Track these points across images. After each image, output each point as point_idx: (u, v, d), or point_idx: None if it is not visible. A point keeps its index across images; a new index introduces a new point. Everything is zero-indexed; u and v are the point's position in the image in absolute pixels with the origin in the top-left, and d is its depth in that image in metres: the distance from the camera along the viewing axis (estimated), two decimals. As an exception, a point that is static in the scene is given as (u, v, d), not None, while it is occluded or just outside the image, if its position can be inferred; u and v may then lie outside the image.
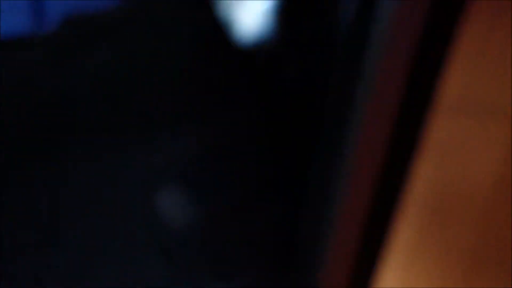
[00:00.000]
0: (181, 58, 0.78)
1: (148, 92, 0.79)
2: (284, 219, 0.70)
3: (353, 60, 0.58)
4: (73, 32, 0.80)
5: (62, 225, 0.74)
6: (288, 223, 0.69)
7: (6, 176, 0.76)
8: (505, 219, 0.79)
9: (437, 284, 0.75)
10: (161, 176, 0.78)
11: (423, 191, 0.80)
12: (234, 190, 0.76)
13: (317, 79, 0.70)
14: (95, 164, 0.76)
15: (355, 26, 0.59)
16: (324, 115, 0.64)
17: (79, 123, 0.79)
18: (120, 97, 0.78)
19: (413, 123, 0.58)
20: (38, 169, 0.77)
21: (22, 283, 0.71)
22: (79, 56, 0.80)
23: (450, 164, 0.83)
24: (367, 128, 0.54)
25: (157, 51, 0.81)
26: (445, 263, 0.76)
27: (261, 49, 0.83)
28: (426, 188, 0.81)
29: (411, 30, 0.51)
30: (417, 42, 0.55)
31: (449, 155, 0.84)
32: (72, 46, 0.80)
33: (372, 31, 0.55)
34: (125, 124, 0.78)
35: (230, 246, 0.75)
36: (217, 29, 0.84)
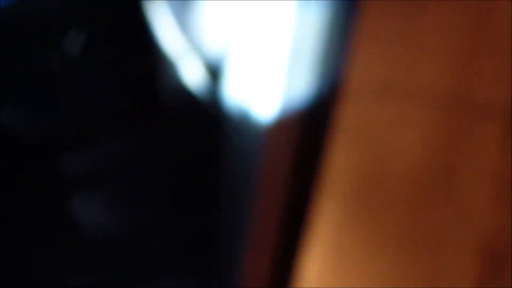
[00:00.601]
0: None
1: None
2: (201, 221, 0.70)
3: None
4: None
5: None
6: (205, 225, 0.69)
7: None
8: (427, 201, 0.80)
9: (362, 270, 0.75)
10: (76, 183, 0.77)
11: (340, 178, 0.82)
12: (151, 196, 0.76)
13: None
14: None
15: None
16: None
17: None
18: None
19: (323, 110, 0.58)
20: None
21: None
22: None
23: (369, 149, 0.84)
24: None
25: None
26: (369, 249, 0.78)
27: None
28: (343, 175, 0.83)
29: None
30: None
31: (366, 140, 0.85)
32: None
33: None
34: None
35: (149, 250, 0.74)
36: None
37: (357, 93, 0.87)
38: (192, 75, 0.72)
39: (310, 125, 0.51)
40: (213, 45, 0.75)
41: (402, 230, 0.78)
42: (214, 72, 0.71)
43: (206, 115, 0.67)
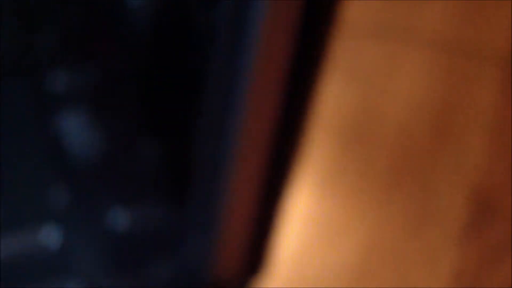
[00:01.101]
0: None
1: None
2: (184, 146, 0.70)
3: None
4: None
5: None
6: (187, 151, 0.69)
7: None
8: (421, 145, 0.81)
9: (351, 213, 0.76)
10: (60, 101, 0.78)
11: (333, 116, 0.83)
12: (133, 118, 0.76)
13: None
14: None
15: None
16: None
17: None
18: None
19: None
20: None
21: None
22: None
23: (364, 88, 0.85)
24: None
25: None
26: (359, 192, 0.78)
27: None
28: (335, 114, 0.83)
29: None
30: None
31: (362, 79, 0.86)
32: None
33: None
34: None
35: (128, 174, 0.75)
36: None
37: (355, 31, 0.88)
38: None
39: (303, 53, 0.51)
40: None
41: (394, 173, 0.79)
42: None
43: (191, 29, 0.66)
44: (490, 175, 0.78)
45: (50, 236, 0.67)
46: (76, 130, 0.75)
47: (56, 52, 0.79)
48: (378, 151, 0.80)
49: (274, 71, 0.49)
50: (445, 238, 0.74)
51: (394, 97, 0.84)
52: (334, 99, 0.84)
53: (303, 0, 0.44)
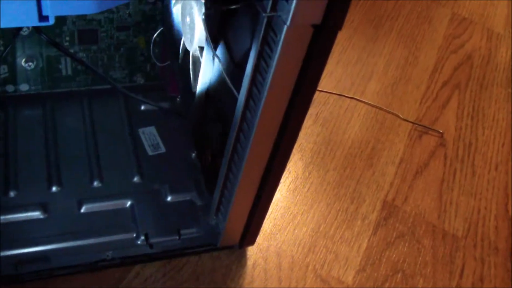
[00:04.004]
0: None
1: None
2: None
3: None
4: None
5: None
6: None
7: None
8: (358, 162, 0.80)
9: (311, 198, 0.76)
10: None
11: (307, 139, 0.81)
12: None
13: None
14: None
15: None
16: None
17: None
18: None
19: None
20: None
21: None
22: None
23: (328, 126, 0.84)
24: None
25: None
26: (318, 185, 0.77)
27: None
28: (309, 138, 0.82)
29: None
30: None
31: (329, 120, 0.84)
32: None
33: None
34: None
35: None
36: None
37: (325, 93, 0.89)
38: None
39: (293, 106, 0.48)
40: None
41: (339, 181, 0.79)
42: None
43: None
44: (397, 190, 0.80)
45: (127, 203, 0.67)
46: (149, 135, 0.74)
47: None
48: (331, 165, 0.81)
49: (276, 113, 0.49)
50: (364, 226, 0.75)
51: (345, 133, 0.86)
52: (308, 130, 0.85)
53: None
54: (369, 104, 0.90)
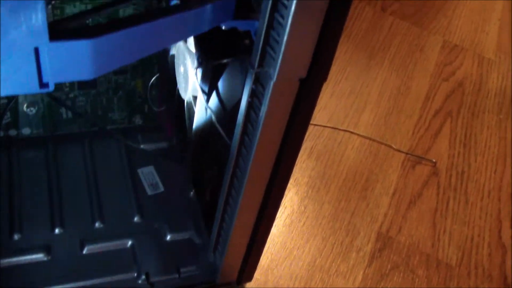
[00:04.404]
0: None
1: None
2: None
3: None
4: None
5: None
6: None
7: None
8: (353, 192, 0.81)
9: (308, 231, 0.77)
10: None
11: (306, 173, 0.82)
12: None
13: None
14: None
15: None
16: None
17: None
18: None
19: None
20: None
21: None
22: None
23: (325, 158, 0.85)
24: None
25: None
26: (313, 219, 0.78)
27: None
28: (307, 168, 0.83)
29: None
30: None
31: (324, 152, 0.85)
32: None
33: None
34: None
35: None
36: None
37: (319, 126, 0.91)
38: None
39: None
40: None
41: (334, 213, 0.80)
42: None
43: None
44: (391, 221, 0.82)
45: (127, 243, 0.69)
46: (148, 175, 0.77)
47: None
48: (326, 198, 0.83)
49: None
50: (359, 258, 0.76)
51: (339, 166, 0.88)
52: (303, 164, 0.87)
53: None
54: (362, 136, 0.92)
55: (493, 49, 1.19)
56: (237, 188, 0.54)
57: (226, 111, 0.52)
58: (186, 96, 0.59)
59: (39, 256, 0.66)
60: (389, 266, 0.76)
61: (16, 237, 0.68)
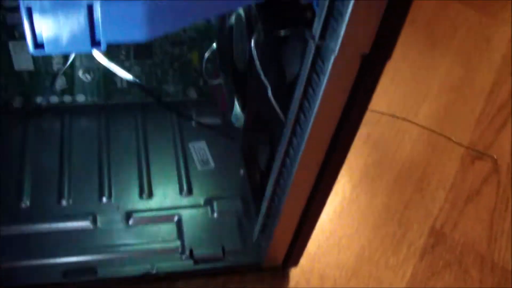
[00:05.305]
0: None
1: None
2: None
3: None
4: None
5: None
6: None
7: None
8: (408, 185, 0.78)
9: (358, 221, 0.74)
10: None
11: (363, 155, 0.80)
12: None
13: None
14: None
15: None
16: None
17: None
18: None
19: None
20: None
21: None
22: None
23: (380, 150, 0.82)
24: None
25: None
26: (366, 212, 0.75)
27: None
28: (364, 153, 0.80)
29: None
30: None
31: (381, 142, 0.83)
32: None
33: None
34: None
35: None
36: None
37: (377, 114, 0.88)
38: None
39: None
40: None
41: (387, 205, 0.77)
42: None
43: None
44: (446, 216, 0.77)
45: (174, 218, 0.67)
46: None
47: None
48: (379, 188, 0.80)
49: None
50: (410, 253, 0.72)
51: (396, 155, 0.84)
52: (358, 150, 0.83)
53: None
54: (421, 126, 0.88)
55: None
56: (288, 169, 0.52)
57: (283, 86, 0.50)
58: (242, 68, 0.56)
59: (85, 224, 0.65)
60: (441, 263, 0.72)
61: (64, 203, 0.67)
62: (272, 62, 0.51)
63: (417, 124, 0.88)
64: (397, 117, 0.88)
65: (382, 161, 0.83)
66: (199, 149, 0.75)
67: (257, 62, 0.51)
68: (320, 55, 0.42)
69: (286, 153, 0.52)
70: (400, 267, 0.71)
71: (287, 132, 0.49)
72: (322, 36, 0.41)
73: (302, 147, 0.48)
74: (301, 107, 0.47)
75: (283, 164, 0.53)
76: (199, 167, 0.73)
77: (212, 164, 0.73)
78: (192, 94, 0.79)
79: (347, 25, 0.37)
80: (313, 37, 0.41)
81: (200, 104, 0.79)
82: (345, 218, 0.75)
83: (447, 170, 0.83)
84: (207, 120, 0.78)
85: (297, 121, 0.48)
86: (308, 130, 0.46)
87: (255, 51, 0.51)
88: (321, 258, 0.70)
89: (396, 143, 0.85)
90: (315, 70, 0.43)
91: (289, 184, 0.52)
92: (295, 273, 0.68)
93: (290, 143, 0.50)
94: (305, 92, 0.45)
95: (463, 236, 0.75)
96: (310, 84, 0.44)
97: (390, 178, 0.81)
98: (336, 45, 0.39)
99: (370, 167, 0.81)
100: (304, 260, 0.67)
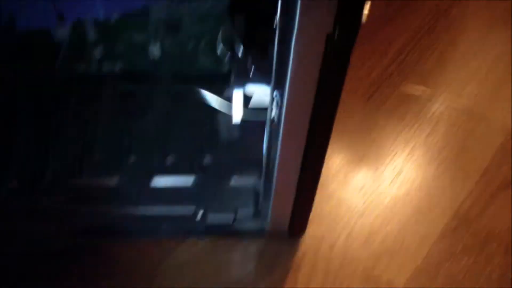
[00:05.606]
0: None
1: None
2: None
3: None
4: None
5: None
6: None
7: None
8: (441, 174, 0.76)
9: None
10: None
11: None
12: None
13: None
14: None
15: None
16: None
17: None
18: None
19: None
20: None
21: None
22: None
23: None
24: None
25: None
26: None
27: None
28: None
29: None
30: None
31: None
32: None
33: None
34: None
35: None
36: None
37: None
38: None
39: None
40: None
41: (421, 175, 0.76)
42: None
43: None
44: (473, 201, 0.75)
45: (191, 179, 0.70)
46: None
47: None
48: (414, 164, 0.78)
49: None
50: (430, 232, 0.71)
51: (432, 133, 0.82)
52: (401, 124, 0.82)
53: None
54: (463, 108, 0.85)
55: None
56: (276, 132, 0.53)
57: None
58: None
59: (111, 181, 0.69)
60: (460, 247, 0.70)
61: (95, 158, 0.71)
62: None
63: (458, 105, 0.85)
64: (438, 96, 0.86)
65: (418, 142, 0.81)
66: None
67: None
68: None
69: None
70: (417, 245, 0.70)
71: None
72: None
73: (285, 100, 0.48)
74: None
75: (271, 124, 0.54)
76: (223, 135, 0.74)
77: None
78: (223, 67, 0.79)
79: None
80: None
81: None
82: (365, 196, 0.74)
83: (483, 155, 0.79)
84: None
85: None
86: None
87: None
88: (335, 228, 0.70)
89: (433, 122, 0.83)
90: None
91: (278, 147, 0.53)
92: (305, 242, 0.68)
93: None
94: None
95: (488, 224, 0.72)
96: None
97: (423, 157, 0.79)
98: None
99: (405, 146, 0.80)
100: (316, 231, 0.69)
